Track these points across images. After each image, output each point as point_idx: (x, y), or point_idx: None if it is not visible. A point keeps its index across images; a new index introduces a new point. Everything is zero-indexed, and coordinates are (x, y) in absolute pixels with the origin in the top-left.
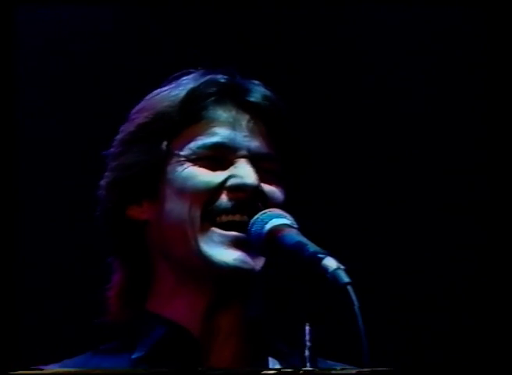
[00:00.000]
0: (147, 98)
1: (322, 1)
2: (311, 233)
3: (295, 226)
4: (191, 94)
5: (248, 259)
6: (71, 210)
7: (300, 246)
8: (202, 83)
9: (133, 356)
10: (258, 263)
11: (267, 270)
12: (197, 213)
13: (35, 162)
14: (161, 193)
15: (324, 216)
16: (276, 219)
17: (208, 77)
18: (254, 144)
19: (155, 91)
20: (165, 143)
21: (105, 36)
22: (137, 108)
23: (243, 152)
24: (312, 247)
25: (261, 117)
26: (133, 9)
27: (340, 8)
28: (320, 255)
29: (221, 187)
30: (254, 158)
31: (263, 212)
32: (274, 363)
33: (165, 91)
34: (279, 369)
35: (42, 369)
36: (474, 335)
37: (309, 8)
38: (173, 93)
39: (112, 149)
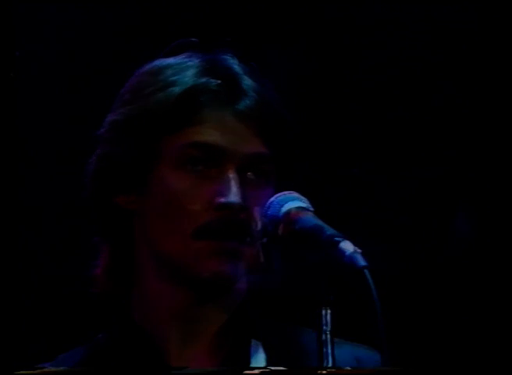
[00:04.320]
0: (146, 71)
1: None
2: (326, 216)
3: (311, 209)
4: (185, 96)
5: (232, 267)
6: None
7: (316, 229)
8: (197, 85)
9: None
10: (241, 269)
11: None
12: (186, 232)
13: (35, 161)
14: (149, 191)
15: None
16: (292, 202)
17: (203, 81)
18: (246, 147)
19: (154, 67)
20: (155, 142)
21: (104, 34)
22: (135, 83)
23: (234, 156)
24: (329, 230)
25: (254, 121)
26: (133, 7)
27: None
28: (337, 239)
29: (207, 206)
30: (244, 163)
31: (279, 194)
32: (260, 360)
33: (164, 74)
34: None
35: (47, 369)
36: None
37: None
38: (169, 89)
39: (103, 130)
